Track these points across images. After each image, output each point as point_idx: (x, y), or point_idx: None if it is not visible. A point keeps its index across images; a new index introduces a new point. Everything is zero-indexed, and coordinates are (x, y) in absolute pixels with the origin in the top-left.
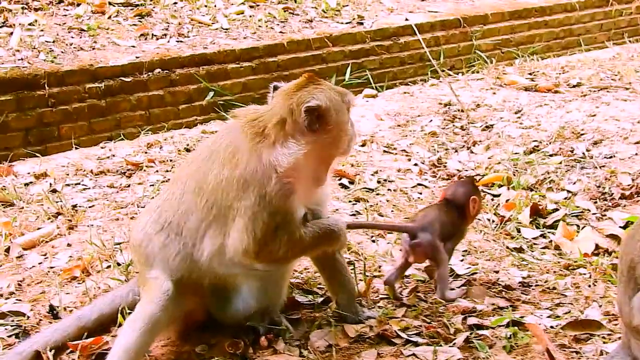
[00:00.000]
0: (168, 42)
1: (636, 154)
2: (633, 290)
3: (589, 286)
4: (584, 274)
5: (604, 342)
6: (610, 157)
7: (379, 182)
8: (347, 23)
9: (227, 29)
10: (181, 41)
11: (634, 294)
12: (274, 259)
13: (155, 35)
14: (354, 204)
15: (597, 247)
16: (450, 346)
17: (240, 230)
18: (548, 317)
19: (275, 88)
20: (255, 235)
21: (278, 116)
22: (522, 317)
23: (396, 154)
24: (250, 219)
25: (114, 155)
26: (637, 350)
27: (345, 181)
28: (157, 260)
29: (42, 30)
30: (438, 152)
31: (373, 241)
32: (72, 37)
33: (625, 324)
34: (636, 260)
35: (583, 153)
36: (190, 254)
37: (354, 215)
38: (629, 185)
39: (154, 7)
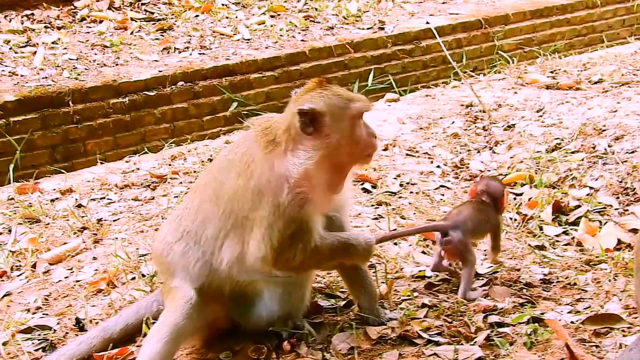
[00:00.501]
0: (190, 54)
1: None
2: None
3: (610, 281)
4: (605, 269)
5: (623, 335)
6: (632, 152)
7: (401, 185)
8: (368, 29)
9: (248, 40)
10: (203, 53)
11: None
12: (291, 266)
13: (177, 49)
14: (376, 208)
15: (619, 242)
16: (471, 344)
17: (257, 240)
18: (568, 312)
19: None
20: (272, 244)
21: (286, 123)
22: (542, 313)
23: (418, 156)
24: (267, 229)
25: (138, 169)
26: None
27: (368, 185)
28: (178, 269)
29: (65, 48)
30: (460, 153)
31: (395, 244)
32: (95, 54)
33: None
34: None
35: (605, 149)
36: (209, 261)
37: (376, 219)
38: None
39: (175, 21)
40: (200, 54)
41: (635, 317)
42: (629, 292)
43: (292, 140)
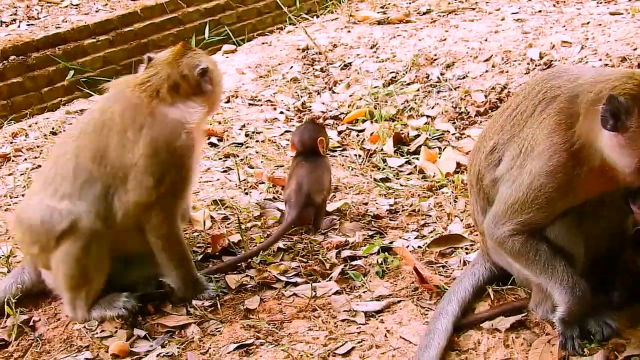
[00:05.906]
0: (19, 27)
1: (486, 71)
2: (483, 199)
3: (450, 203)
4: (446, 192)
5: (466, 253)
6: (463, 78)
7: (247, 135)
8: None
9: (77, 5)
10: (32, 24)
11: (484, 203)
12: (159, 221)
13: (4, 22)
14: (224, 161)
15: (458, 165)
16: (327, 281)
17: (141, 182)
18: (415, 238)
19: (150, 59)
20: (148, 190)
21: (171, 81)
22: (391, 242)
23: (261, 105)
24: (154, 174)
25: None
26: (494, 254)
27: (214, 139)
28: (66, 222)
29: None
30: (301, 97)
31: (246, 193)
32: None
33: (480, 231)
34: (482, 172)
35: (438, 77)
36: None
37: (225, 172)
38: (482, 102)
39: None
40: (28, 25)
41: (476, 235)
42: (469, 211)
43: (182, 95)
